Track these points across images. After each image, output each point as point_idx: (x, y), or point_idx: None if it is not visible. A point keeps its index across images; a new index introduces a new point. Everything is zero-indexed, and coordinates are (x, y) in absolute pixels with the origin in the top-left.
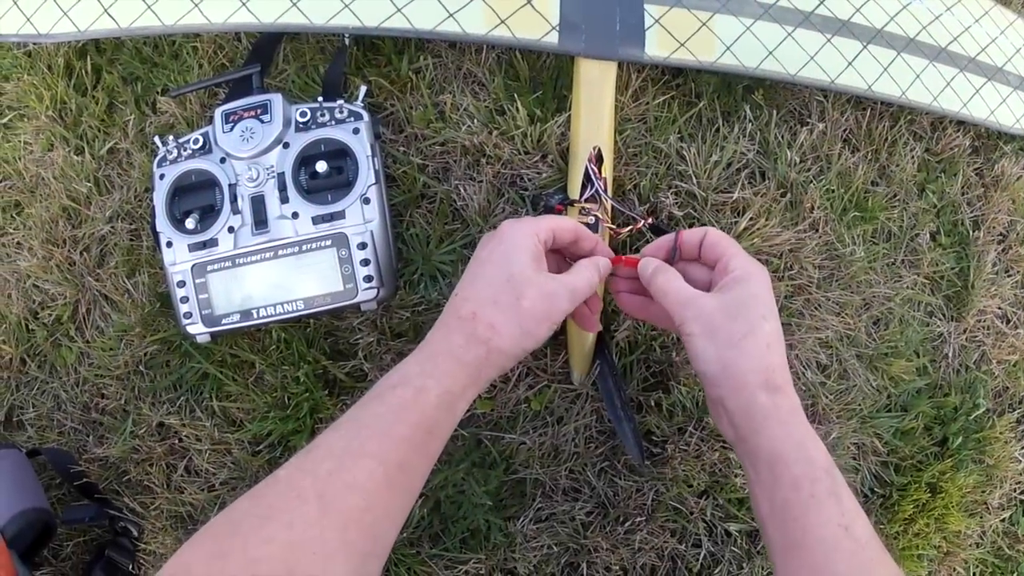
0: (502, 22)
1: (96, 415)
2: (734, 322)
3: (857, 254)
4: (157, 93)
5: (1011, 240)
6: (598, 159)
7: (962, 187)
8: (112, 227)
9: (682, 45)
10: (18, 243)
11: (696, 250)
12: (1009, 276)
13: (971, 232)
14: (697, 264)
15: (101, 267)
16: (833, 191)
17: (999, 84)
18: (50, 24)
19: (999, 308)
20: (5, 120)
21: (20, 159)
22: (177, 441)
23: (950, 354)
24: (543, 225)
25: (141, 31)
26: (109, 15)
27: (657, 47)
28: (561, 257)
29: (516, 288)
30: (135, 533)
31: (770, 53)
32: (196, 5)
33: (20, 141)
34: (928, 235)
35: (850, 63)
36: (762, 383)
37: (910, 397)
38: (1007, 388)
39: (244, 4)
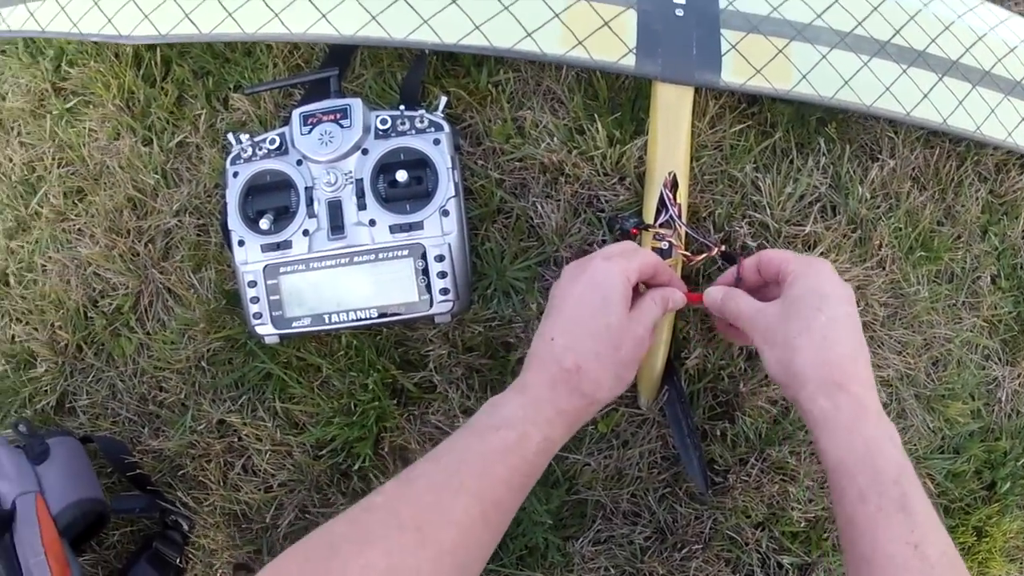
0: (579, 43)
1: (153, 407)
2: (789, 322)
3: (921, 294)
4: (229, 89)
5: None
6: (673, 185)
7: (1023, 230)
8: (179, 221)
9: (758, 72)
10: (79, 229)
11: (757, 275)
12: None
13: None
14: (773, 285)
15: (166, 260)
16: (901, 229)
17: None
18: (131, 26)
19: None
20: (70, 105)
21: (84, 145)
22: (236, 439)
23: (1003, 398)
24: (634, 267)
25: (221, 37)
26: (190, 20)
27: (733, 73)
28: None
29: (615, 339)
30: (185, 527)
31: (846, 83)
32: (276, 15)
33: (85, 127)
34: (989, 278)
35: (925, 95)
36: (821, 382)
37: (963, 440)
38: None
39: (324, 16)
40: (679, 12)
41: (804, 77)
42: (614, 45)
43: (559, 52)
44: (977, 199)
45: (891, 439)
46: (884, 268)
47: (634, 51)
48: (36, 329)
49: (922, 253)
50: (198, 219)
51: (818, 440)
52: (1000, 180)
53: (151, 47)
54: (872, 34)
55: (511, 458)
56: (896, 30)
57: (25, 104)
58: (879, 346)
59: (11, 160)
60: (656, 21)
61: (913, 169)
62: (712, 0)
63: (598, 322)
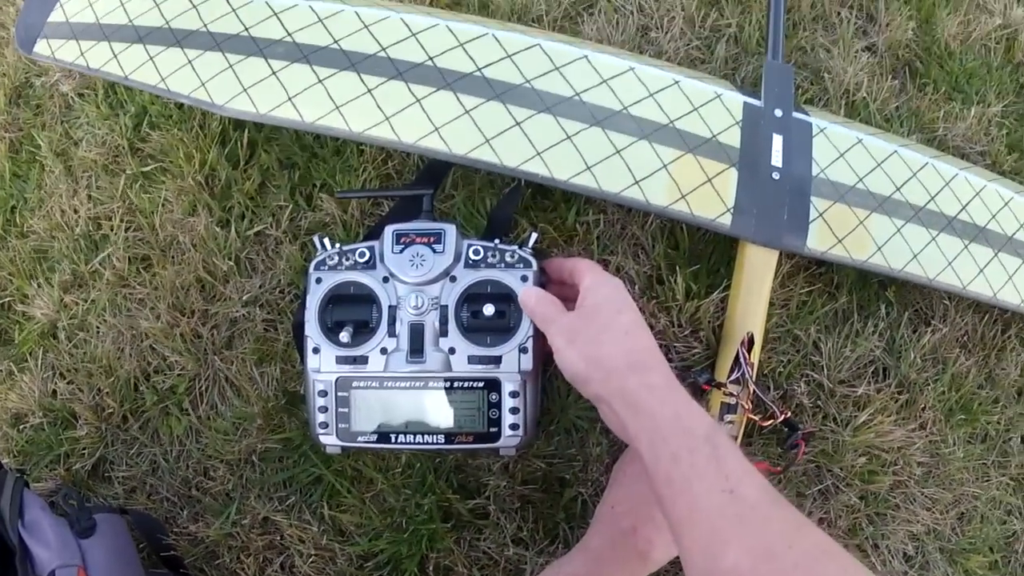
0: (683, 197)
1: (196, 492)
2: (591, 323)
3: (956, 454)
4: (315, 186)
5: None
6: (750, 344)
7: None
8: (248, 311)
9: (839, 241)
10: (141, 299)
11: (566, 276)
12: None
13: None
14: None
15: (229, 348)
16: (945, 392)
17: None
18: (227, 96)
19: None
20: (147, 169)
21: (156, 214)
22: (279, 538)
23: (1020, 551)
24: None
25: (324, 130)
26: (293, 104)
27: (818, 241)
28: None
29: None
30: None
31: (915, 256)
32: (387, 118)
33: (160, 196)
34: (1019, 438)
35: (981, 270)
36: (629, 365)
37: None
38: None
39: (437, 129)
40: (776, 176)
41: (879, 249)
42: (714, 202)
43: (662, 204)
44: (1017, 363)
45: (698, 408)
46: (925, 429)
47: (731, 210)
48: (81, 390)
49: (961, 416)
50: (267, 313)
51: (628, 419)
52: None
53: (239, 126)
54: (942, 209)
55: None
56: (963, 206)
57: (99, 156)
58: (911, 502)
59: (76, 212)
60: (754, 183)
61: (962, 335)
62: (806, 167)
63: (647, 488)
